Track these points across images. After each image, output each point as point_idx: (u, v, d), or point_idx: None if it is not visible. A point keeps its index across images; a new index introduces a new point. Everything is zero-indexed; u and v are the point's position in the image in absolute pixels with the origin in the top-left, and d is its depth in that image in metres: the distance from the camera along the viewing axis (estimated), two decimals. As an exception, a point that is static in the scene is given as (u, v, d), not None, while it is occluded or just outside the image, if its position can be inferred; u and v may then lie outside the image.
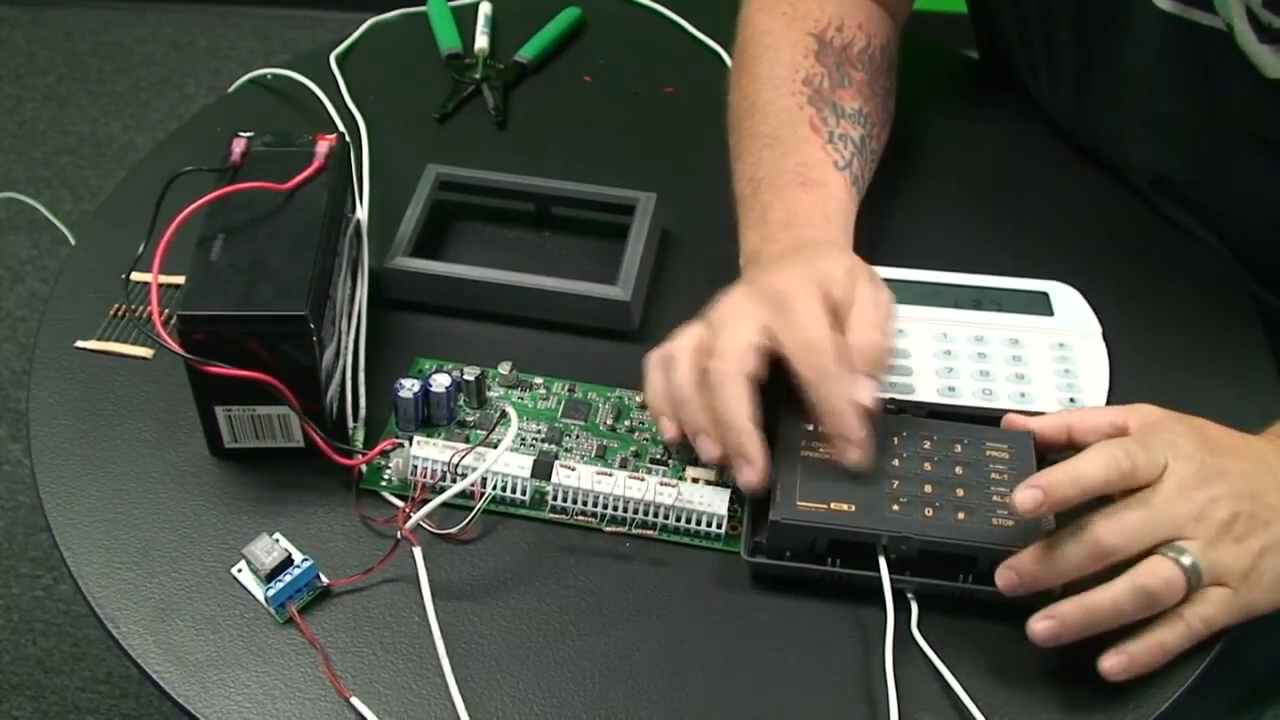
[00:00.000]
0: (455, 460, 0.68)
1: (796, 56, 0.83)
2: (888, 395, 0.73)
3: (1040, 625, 0.62)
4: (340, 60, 0.98)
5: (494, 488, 0.69)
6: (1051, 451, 0.69)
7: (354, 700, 0.62)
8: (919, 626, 0.65)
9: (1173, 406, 0.68)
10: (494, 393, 0.75)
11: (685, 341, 0.68)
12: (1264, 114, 0.77)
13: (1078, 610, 0.62)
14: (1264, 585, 0.63)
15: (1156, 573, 0.61)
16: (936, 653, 0.64)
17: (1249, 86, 0.75)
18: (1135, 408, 0.68)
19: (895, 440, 0.69)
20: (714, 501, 0.68)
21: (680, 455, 0.72)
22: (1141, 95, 0.83)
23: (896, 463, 0.68)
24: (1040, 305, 0.79)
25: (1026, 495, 0.61)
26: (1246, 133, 0.80)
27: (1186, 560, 0.61)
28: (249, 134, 0.75)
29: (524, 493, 0.69)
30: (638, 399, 0.74)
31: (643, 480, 0.68)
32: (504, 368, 0.75)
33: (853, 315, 0.67)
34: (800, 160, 0.78)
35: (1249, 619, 0.64)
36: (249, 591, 0.66)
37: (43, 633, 1.48)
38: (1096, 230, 0.87)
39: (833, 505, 0.65)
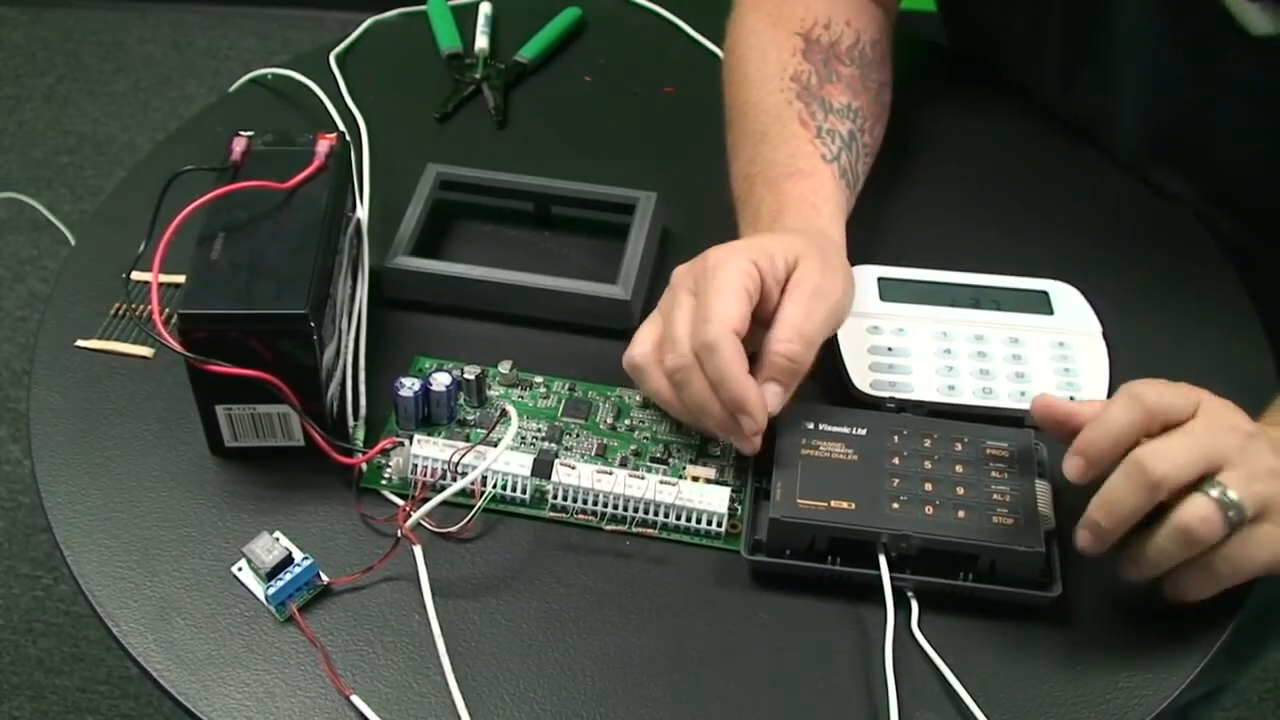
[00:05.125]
0: (455, 459, 0.68)
1: (784, 55, 0.83)
2: (887, 395, 0.73)
3: (1082, 538, 0.63)
4: (340, 60, 0.98)
5: (494, 486, 0.69)
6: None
7: (354, 698, 0.62)
8: (919, 625, 0.65)
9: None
10: (494, 391, 0.75)
11: (644, 345, 0.70)
12: (1250, 69, 0.78)
13: (1129, 563, 0.63)
14: None
15: (1193, 510, 0.60)
16: (936, 652, 0.64)
17: (1236, 44, 0.76)
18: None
19: (895, 439, 0.69)
20: (714, 500, 0.68)
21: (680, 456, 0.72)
22: (1129, 56, 0.84)
23: (897, 461, 0.68)
24: (1040, 304, 0.79)
25: (1072, 464, 0.62)
26: (1235, 89, 0.80)
27: (1216, 493, 0.60)
28: (249, 133, 0.75)
29: (524, 491, 0.69)
30: (637, 398, 0.74)
31: (643, 479, 0.69)
32: (504, 366, 0.75)
33: (778, 317, 0.68)
34: (789, 153, 0.78)
35: None
36: (249, 590, 0.66)
37: (43, 633, 1.48)
38: (1096, 230, 0.87)
39: (833, 503, 0.65)
